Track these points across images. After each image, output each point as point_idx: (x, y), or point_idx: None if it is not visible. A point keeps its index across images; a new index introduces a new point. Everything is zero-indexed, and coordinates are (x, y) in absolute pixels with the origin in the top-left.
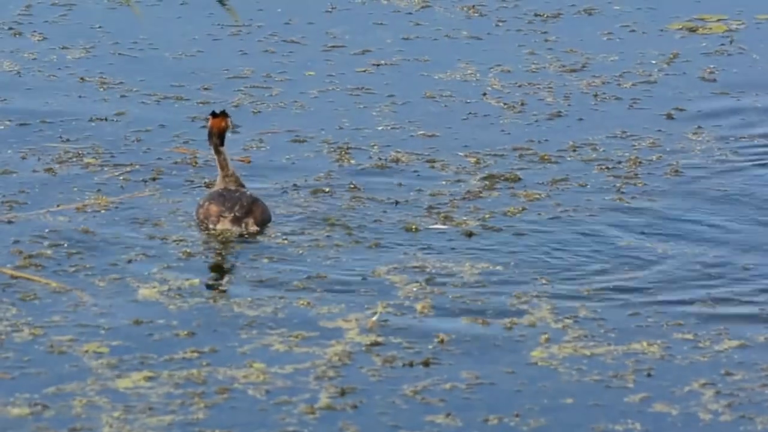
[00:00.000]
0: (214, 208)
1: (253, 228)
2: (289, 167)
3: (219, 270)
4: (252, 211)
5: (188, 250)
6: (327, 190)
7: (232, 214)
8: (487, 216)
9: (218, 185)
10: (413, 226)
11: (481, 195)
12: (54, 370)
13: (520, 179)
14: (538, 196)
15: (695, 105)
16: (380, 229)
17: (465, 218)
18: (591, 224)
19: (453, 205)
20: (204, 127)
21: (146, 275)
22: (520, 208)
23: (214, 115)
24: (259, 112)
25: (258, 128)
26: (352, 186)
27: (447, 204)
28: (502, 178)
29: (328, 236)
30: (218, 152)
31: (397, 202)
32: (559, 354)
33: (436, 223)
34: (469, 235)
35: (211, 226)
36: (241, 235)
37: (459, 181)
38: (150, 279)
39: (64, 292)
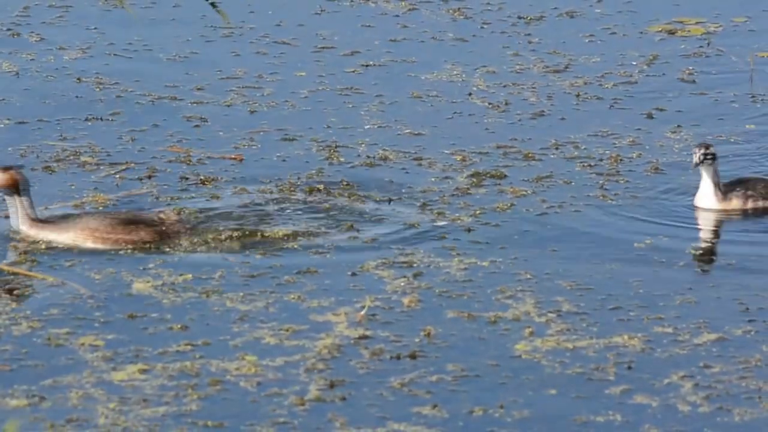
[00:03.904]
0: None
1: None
2: (280, 165)
3: (211, 265)
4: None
5: (182, 246)
6: (321, 187)
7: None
8: (477, 212)
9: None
10: (415, 223)
11: (469, 192)
12: (51, 362)
13: (505, 176)
14: (524, 193)
15: (674, 105)
16: (372, 225)
17: (457, 214)
18: (575, 219)
19: (444, 201)
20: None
21: (141, 270)
22: (509, 204)
23: (5, 170)
24: (255, 111)
25: (249, 127)
26: (344, 183)
27: (438, 200)
28: (488, 175)
29: (318, 232)
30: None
31: (390, 200)
32: (543, 347)
33: (435, 221)
34: (469, 230)
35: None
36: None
37: (447, 178)
38: (144, 274)
39: (60, 286)
